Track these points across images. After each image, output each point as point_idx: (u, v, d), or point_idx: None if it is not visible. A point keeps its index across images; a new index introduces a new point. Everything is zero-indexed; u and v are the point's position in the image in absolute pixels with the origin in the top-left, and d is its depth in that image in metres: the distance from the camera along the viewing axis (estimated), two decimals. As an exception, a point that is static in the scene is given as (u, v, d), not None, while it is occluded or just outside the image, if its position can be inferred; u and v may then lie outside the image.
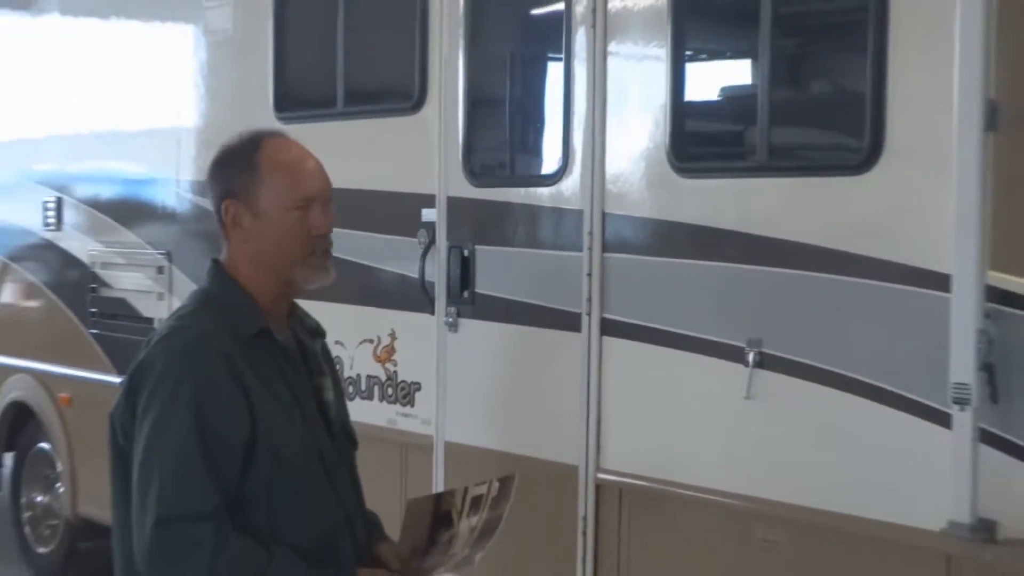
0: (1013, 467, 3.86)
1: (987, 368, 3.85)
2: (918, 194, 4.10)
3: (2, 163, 8.61)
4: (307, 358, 3.27)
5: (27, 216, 8.31)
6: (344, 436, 3.32)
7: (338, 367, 3.38)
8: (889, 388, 4.16)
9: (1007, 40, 3.84)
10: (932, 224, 4.03)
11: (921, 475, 4.05)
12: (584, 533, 5.08)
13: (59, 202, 8.02)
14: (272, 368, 3.10)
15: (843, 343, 4.30)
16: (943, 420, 3.96)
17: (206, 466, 2.92)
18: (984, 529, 3.88)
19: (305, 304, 3.39)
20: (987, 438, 3.88)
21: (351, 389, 5.66)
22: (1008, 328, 3.85)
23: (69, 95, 7.97)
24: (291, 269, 3.12)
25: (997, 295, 3.85)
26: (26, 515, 8.59)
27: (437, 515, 3.26)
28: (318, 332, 3.39)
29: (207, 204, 6.64)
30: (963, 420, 3.89)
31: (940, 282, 3.97)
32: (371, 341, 5.89)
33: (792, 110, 4.66)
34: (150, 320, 6.99)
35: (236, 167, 3.20)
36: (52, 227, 8.07)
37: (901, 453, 4.13)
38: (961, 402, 3.88)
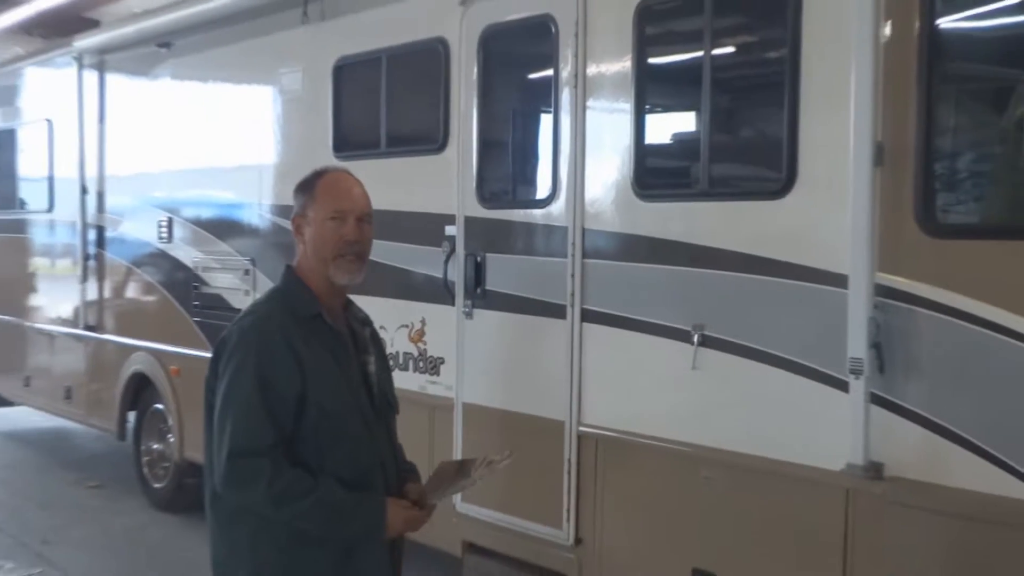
0: (895, 423, 3.87)
1: (876, 346, 3.86)
2: (823, 214, 4.09)
3: (128, 193, 8.62)
4: (356, 340, 3.31)
5: (146, 232, 8.33)
6: (384, 401, 3.33)
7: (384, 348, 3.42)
8: (801, 361, 4.17)
9: (888, 96, 3.84)
10: (833, 236, 4.01)
11: (826, 428, 4.04)
12: (569, 472, 5.08)
13: (170, 221, 8.04)
14: (323, 344, 3.14)
15: (766, 327, 4.29)
16: (842, 386, 3.97)
17: (265, 414, 2.99)
18: (874, 469, 3.90)
19: (358, 299, 3.43)
20: (876, 400, 3.89)
21: (392, 363, 5.65)
22: (891, 316, 3.85)
23: (178, 140, 8.00)
24: (326, 266, 3.17)
25: (883, 291, 3.86)
26: (145, 459, 8.63)
27: (459, 471, 3.33)
28: (366, 321, 3.41)
29: (282, 223, 6.77)
30: (857, 386, 3.90)
31: (839, 281, 3.97)
32: (407, 326, 5.91)
33: (726, 150, 4.64)
34: (238, 310, 6.96)
35: (303, 193, 3.28)
36: (165, 240, 8.10)
37: (811, 411, 4.13)
38: (856, 372, 3.89)
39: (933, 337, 3.77)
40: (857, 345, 3.88)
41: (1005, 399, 3.59)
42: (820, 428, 4.08)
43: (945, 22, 3.80)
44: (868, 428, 3.89)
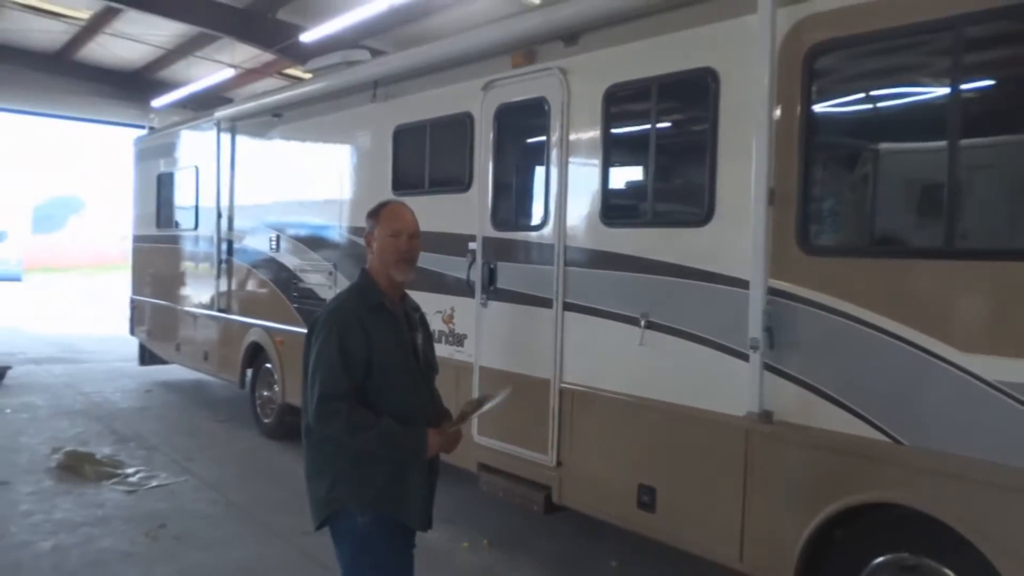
0: (781, 383, 3.88)
1: (768, 330, 3.86)
2: (732, 237, 4.08)
3: (250, 217, 8.63)
4: (409, 322, 3.32)
5: (262, 245, 8.33)
6: (427, 364, 3.34)
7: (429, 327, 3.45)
8: (716, 339, 4.17)
9: (778, 156, 3.85)
10: (740, 253, 4.00)
11: (734, 386, 4.04)
12: (552, 415, 5.09)
13: (278, 237, 8.05)
14: (385, 324, 3.16)
15: (693, 315, 4.29)
16: (744, 357, 3.97)
17: (344, 370, 3.01)
18: (765, 416, 3.91)
19: (410, 293, 3.44)
20: (768, 367, 3.90)
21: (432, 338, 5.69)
22: (778, 308, 3.86)
23: (284, 181, 8.00)
24: (388, 268, 3.18)
25: (773, 291, 3.87)
26: (258, 402, 8.62)
27: (476, 404, 3.35)
28: (416, 308, 3.42)
29: (355, 239, 6.77)
30: (755, 357, 3.91)
31: (743, 284, 3.98)
32: (441, 312, 5.91)
33: (665, 192, 4.64)
34: (324, 300, 7.02)
35: (372, 217, 3.29)
36: (274, 250, 8.10)
37: (722, 374, 4.13)
38: (754, 348, 3.90)
39: (807, 323, 3.77)
40: (755, 328, 3.89)
41: (856, 365, 3.61)
42: (729, 386, 4.08)
43: (817, 107, 3.80)
44: (762, 387, 3.90)
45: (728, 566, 4.16)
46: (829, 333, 3.68)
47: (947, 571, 3.40)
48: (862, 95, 3.76)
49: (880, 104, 3.70)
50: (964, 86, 3.30)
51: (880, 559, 3.61)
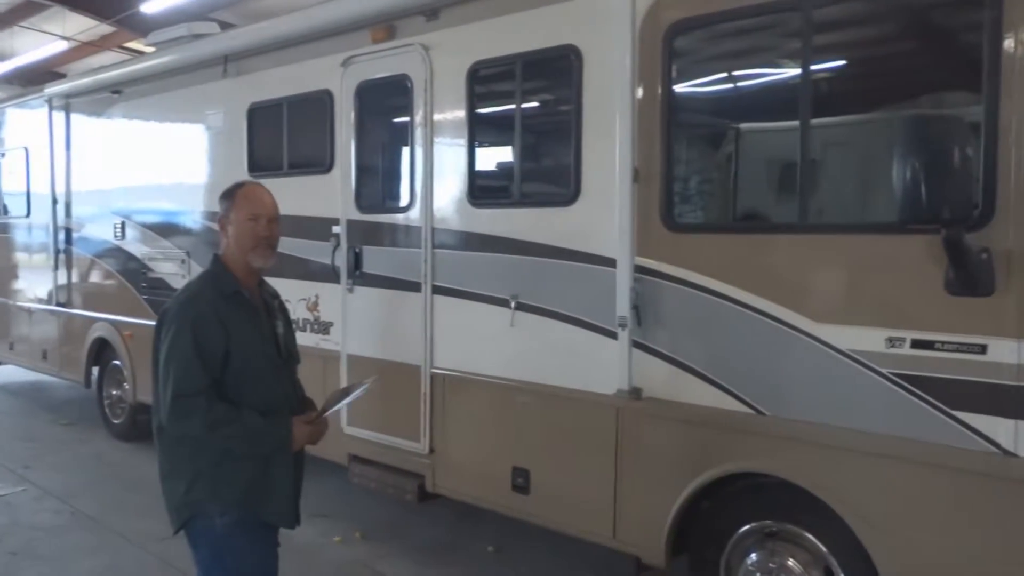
0: (649, 360, 3.99)
1: (635, 308, 3.97)
2: (599, 216, 4.14)
3: (93, 203, 8.15)
4: (268, 310, 3.22)
5: (105, 232, 7.90)
6: (288, 354, 3.26)
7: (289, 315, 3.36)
8: (586, 319, 4.24)
9: (642, 136, 3.95)
10: (606, 232, 4.08)
11: (604, 365, 4.12)
12: (424, 402, 5.07)
13: (123, 224, 7.66)
14: (242, 313, 3.06)
15: (562, 295, 4.34)
16: (613, 335, 4.07)
17: (200, 364, 2.90)
18: (635, 393, 4.02)
19: (269, 280, 3.34)
20: (636, 345, 4.00)
21: (295, 327, 5.55)
22: (645, 286, 3.96)
23: (127, 163, 7.61)
24: (245, 255, 3.08)
25: (639, 269, 3.97)
26: (106, 402, 8.22)
27: (342, 394, 3.30)
28: (275, 295, 3.33)
29: (210, 224, 6.54)
30: (623, 335, 4.01)
31: (610, 262, 4.06)
32: (305, 299, 5.79)
33: (532, 172, 4.68)
34: (176, 290, 6.71)
35: (226, 199, 3.16)
36: (119, 238, 7.71)
37: (592, 353, 4.20)
38: (622, 326, 4.00)
39: (673, 300, 3.89)
40: (623, 306, 3.98)
41: (720, 340, 3.75)
42: (598, 365, 4.16)
43: (678, 87, 3.91)
44: (631, 364, 4.01)
45: (603, 544, 4.26)
46: (694, 309, 3.81)
47: (807, 535, 3.61)
48: (721, 75, 3.90)
49: (738, 84, 3.85)
50: (814, 67, 3.47)
51: (746, 527, 3.79)
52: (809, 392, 3.49)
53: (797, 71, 3.53)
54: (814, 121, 3.46)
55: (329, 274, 5.58)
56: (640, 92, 3.96)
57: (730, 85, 3.91)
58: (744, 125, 3.87)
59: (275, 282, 3.41)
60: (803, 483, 3.52)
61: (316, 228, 5.65)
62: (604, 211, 4.09)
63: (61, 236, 8.51)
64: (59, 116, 8.46)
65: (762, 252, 3.63)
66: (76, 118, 8.32)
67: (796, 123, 3.48)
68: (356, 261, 5.43)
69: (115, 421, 8.15)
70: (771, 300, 3.57)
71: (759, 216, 3.87)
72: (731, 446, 3.74)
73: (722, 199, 4.00)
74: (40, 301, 8.98)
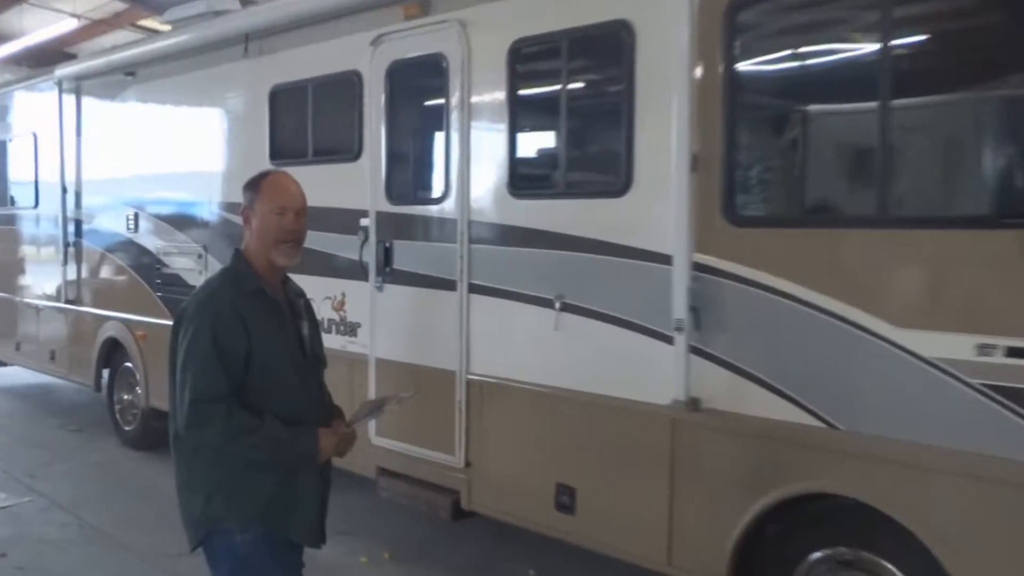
0: (708, 367, 3.96)
1: (693, 309, 3.94)
2: (653, 208, 4.13)
3: (103, 193, 8.31)
4: (292, 309, 3.24)
5: (117, 224, 8.04)
6: (314, 357, 3.27)
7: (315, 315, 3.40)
8: (639, 322, 4.23)
9: (701, 119, 3.92)
10: (661, 225, 4.06)
11: (658, 372, 4.10)
12: (459, 411, 5.08)
13: (137, 216, 7.78)
14: (265, 313, 3.07)
15: (611, 295, 4.33)
16: (669, 340, 4.05)
17: (220, 367, 2.92)
18: (693, 403, 4.00)
19: (292, 277, 3.36)
20: (694, 350, 3.98)
21: (321, 328, 5.61)
22: (704, 285, 3.94)
23: (142, 150, 7.73)
24: (269, 250, 3.10)
25: (698, 266, 3.94)
26: (117, 407, 8.36)
27: (376, 406, 3.32)
28: (300, 294, 3.34)
29: (228, 216, 6.62)
30: (680, 340, 3.99)
31: (666, 259, 4.04)
32: (331, 298, 5.83)
33: (580, 160, 4.66)
34: (193, 287, 6.81)
35: (251, 190, 3.18)
36: (132, 231, 7.83)
37: (645, 359, 4.19)
38: (679, 329, 3.98)
39: (735, 301, 3.86)
40: (679, 308, 3.96)
41: (788, 346, 3.71)
42: (652, 372, 4.13)
43: (741, 66, 3.87)
44: (688, 372, 3.98)
45: (656, 570, 4.24)
46: (759, 311, 3.78)
47: (887, 564, 3.55)
48: (790, 51, 3.85)
49: (809, 61, 3.80)
50: (894, 41, 3.41)
51: (817, 554, 3.74)
52: (888, 404, 3.44)
53: (875, 46, 3.47)
54: (894, 102, 3.41)
55: (357, 270, 5.62)
56: (699, 71, 3.93)
57: (800, 63, 3.86)
58: (815, 107, 3.82)
59: (298, 279, 3.43)
60: (882, 506, 3.46)
61: (343, 221, 5.68)
62: (658, 203, 4.07)
63: (71, 228, 8.67)
64: (69, 100, 8.61)
65: (835, 248, 3.59)
66: (87, 102, 8.47)
67: (875, 104, 3.43)
68: (386, 257, 5.46)
69: (127, 428, 8.28)
70: (845, 302, 3.52)
71: (832, 208, 3.82)
72: (801, 464, 3.70)
73: (790, 189, 3.95)
74: (48, 298, 9.16)
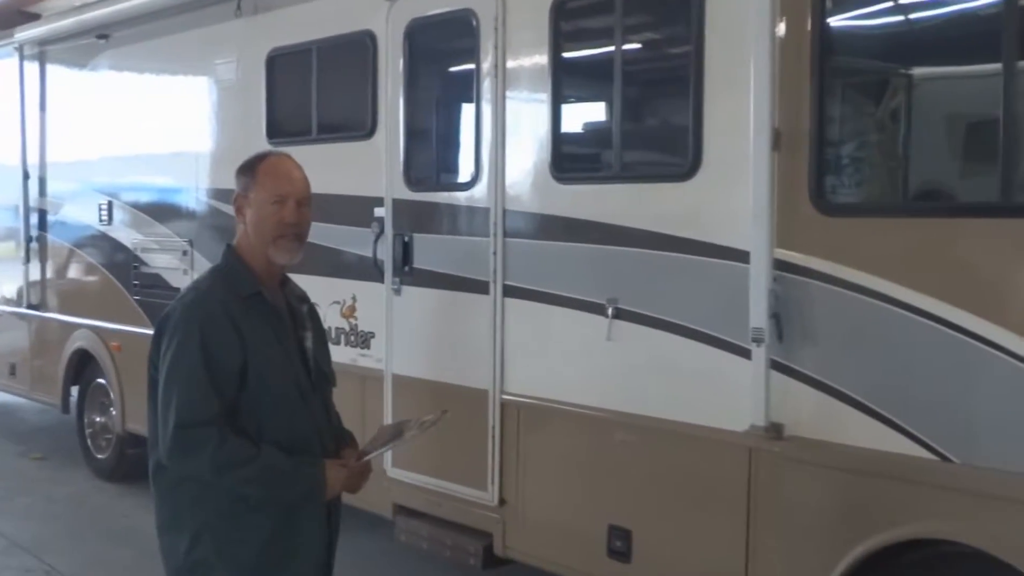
0: (793, 386, 3.93)
1: (775, 316, 3.91)
2: (726, 195, 4.11)
3: (71, 178, 8.43)
4: (295, 317, 3.26)
5: (88, 216, 8.14)
6: (320, 374, 3.28)
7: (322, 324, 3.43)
8: (707, 331, 4.20)
9: (784, 87, 3.89)
10: (736, 216, 4.04)
11: (730, 392, 4.08)
12: (493, 438, 5.08)
13: (111, 205, 7.88)
14: (263, 320, 3.10)
15: (675, 299, 4.31)
16: (745, 353, 4.02)
17: (210, 385, 2.94)
18: (774, 430, 3.96)
19: (296, 278, 3.38)
20: (775, 366, 3.95)
21: (328, 338, 5.65)
22: (788, 288, 3.91)
23: (117, 128, 7.82)
24: (266, 247, 3.11)
25: (781, 265, 3.91)
26: (88, 431, 8.46)
27: (395, 432, 3.32)
28: (304, 298, 3.37)
29: (218, 205, 6.66)
30: (759, 353, 3.96)
31: (741, 256, 4.02)
32: (339, 302, 5.87)
33: (635, 138, 4.65)
34: (177, 289, 6.87)
35: (245, 175, 3.21)
36: (106, 223, 7.93)
37: (716, 377, 4.17)
38: (757, 340, 3.95)
39: (826, 307, 3.83)
40: (758, 315, 3.93)
41: (890, 362, 3.67)
42: (725, 392, 4.11)
43: (834, 21, 3.85)
44: (769, 392, 3.95)
45: (729, 629, 4.21)
46: (855, 319, 3.74)
47: (1012, 626, 3.49)
48: (893, 3, 3.81)
49: (916, 15, 3.77)
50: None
51: (924, 612, 3.70)
52: (1015, 433, 3.37)
53: (999, -4, 3.42)
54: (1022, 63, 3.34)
55: (370, 270, 5.64)
56: (783, 28, 3.89)
57: (906, 16, 3.83)
58: (926, 70, 3.79)
59: (300, 280, 3.45)
60: (1007, 557, 3.39)
61: (353, 210, 5.71)
62: (733, 188, 4.05)
63: (34, 220, 8.81)
64: (32, 68, 8.75)
65: (950, 243, 3.55)
66: (53, 70, 8.61)
67: (998, 66, 3.37)
68: (405, 253, 5.47)
69: (99, 456, 8.36)
70: (963, 308, 3.47)
71: (945, 193, 3.80)
72: (907, 504, 3.65)
73: (894, 170, 3.92)
74: (7, 302, 9.32)
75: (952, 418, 3.53)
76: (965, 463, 3.50)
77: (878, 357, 3.70)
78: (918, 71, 3.81)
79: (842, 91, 3.94)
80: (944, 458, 3.54)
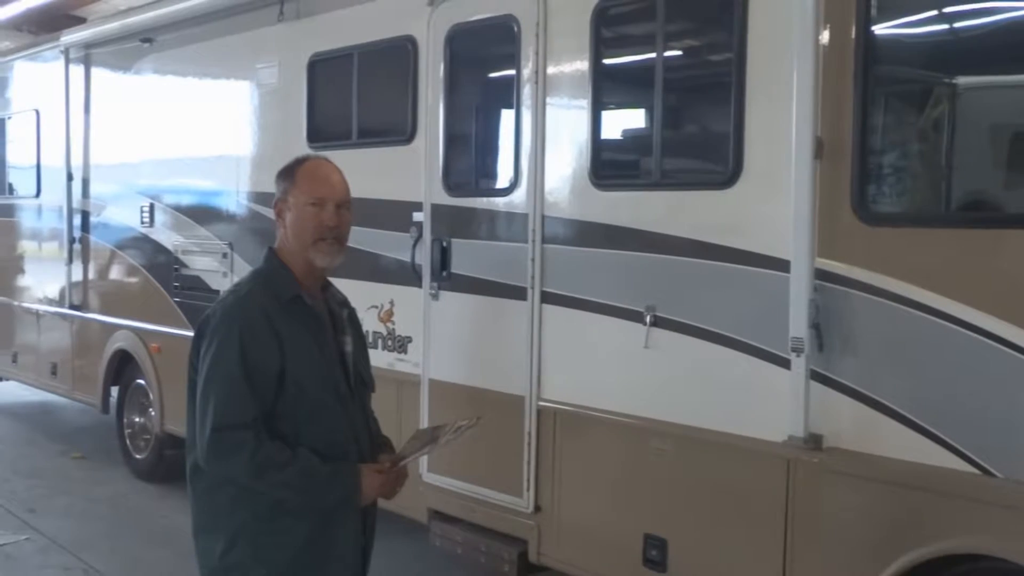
0: (833, 397, 3.90)
1: (815, 326, 3.89)
2: (767, 203, 4.09)
3: (112, 180, 8.52)
4: (335, 321, 3.27)
5: (129, 217, 8.22)
6: (359, 379, 3.30)
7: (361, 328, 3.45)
8: (746, 340, 4.19)
9: (826, 95, 3.87)
10: (776, 224, 4.02)
11: (769, 402, 4.06)
12: (529, 444, 5.08)
13: (152, 207, 7.95)
14: (302, 324, 3.11)
15: (714, 308, 4.30)
16: (784, 363, 3.99)
17: (248, 389, 2.96)
18: (813, 441, 3.94)
19: (338, 283, 3.41)
20: (815, 376, 3.92)
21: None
22: (829, 298, 3.88)
23: (159, 130, 7.89)
24: (306, 250, 3.13)
25: (822, 274, 3.89)
26: (127, 431, 8.53)
27: (431, 436, 3.33)
28: (344, 303, 3.38)
29: (258, 209, 6.71)
30: (799, 363, 3.93)
31: (782, 265, 4.00)
32: (376, 307, 5.88)
33: (676, 145, 4.64)
34: (216, 291, 6.94)
35: (285, 179, 3.23)
36: (147, 225, 8.01)
37: (755, 386, 4.15)
38: (797, 350, 3.93)
39: (868, 317, 3.80)
40: (798, 325, 3.91)
41: (933, 374, 3.64)
42: (764, 402, 4.10)
43: (878, 29, 3.82)
44: (808, 402, 3.93)
45: (765, 642, 4.18)
46: (897, 330, 3.71)
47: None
48: (939, 11, 3.78)
49: (964, 23, 3.72)
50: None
51: (965, 629, 3.65)
52: (1061, 447, 3.33)
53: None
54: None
55: (408, 275, 5.65)
56: (826, 36, 3.87)
57: (950, 25, 3.79)
58: (972, 79, 3.75)
59: (337, 283, 3.46)
60: (1053, 574, 3.35)
61: (392, 215, 5.73)
62: (774, 196, 4.04)
63: (76, 221, 8.89)
64: (77, 71, 8.83)
65: (993, 254, 3.51)
66: (98, 73, 8.69)
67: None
68: (443, 258, 5.48)
69: (137, 456, 8.44)
70: (1005, 319, 3.43)
71: (992, 203, 3.76)
72: (949, 518, 3.61)
73: (939, 180, 3.88)
74: (50, 302, 9.41)
75: (995, 432, 3.48)
76: (1008, 477, 3.46)
77: (920, 369, 3.67)
78: (962, 80, 3.77)
79: (885, 99, 3.90)
80: (987, 472, 3.50)
